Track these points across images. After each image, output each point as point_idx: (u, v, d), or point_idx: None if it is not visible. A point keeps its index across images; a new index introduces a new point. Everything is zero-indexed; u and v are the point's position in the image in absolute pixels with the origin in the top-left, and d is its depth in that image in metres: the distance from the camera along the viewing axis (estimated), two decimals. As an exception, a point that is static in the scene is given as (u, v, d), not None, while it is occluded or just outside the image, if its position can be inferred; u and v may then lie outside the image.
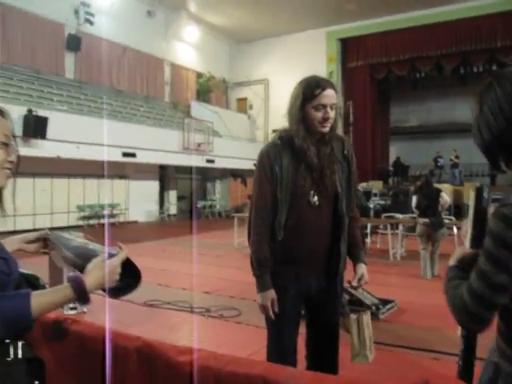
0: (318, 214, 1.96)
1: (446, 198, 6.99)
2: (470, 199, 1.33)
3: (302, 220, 1.93)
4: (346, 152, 2.04)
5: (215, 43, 22.06)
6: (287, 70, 20.58)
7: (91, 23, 15.84)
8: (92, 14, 15.85)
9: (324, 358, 2.08)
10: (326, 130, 1.92)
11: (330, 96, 1.90)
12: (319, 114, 1.88)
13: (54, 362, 1.36)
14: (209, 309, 4.97)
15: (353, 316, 1.97)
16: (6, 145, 1.16)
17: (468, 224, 1.32)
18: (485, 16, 17.47)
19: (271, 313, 1.90)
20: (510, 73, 1.10)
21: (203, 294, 5.71)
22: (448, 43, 18.56)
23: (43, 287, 2.43)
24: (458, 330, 1.33)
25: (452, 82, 21.49)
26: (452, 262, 1.23)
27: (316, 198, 1.94)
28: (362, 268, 2.06)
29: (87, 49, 15.98)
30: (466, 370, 1.29)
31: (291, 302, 1.97)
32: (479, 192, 1.30)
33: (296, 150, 1.92)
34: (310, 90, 1.89)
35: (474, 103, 1.15)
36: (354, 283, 2.04)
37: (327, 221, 1.99)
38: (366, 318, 2.00)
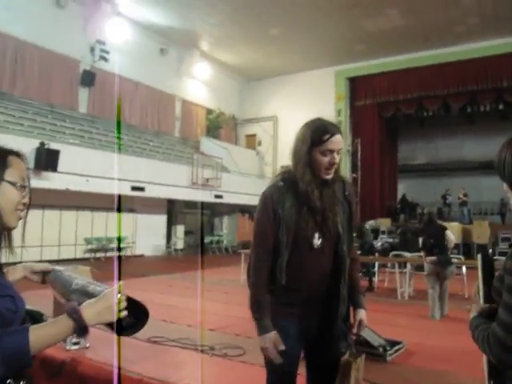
0: (320, 257, 1.96)
1: (452, 236, 6.92)
2: (478, 262, 1.42)
3: (303, 263, 1.93)
4: (347, 193, 2.05)
5: (226, 80, 22.52)
6: (296, 107, 20.90)
7: (106, 60, 16.30)
8: (107, 52, 16.34)
9: None
10: (330, 176, 1.93)
11: (338, 142, 1.90)
12: (326, 159, 1.88)
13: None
14: (213, 347, 4.88)
15: (343, 359, 1.90)
16: (23, 187, 1.19)
17: (479, 282, 1.41)
18: (491, 57, 17.83)
19: (274, 355, 1.86)
20: None
21: (208, 332, 5.63)
22: (455, 83, 18.85)
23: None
24: (485, 375, 1.33)
25: (459, 121, 21.71)
26: (473, 314, 1.32)
27: (319, 240, 1.94)
28: (362, 313, 2.04)
29: (101, 84, 16.39)
30: None
31: (291, 342, 1.94)
32: (484, 257, 1.42)
33: (299, 193, 1.92)
34: (318, 134, 1.88)
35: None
36: (354, 330, 2.01)
37: (328, 263, 1.99)
38: (357, 363, 1.92)
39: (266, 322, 1.89)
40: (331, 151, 1.88)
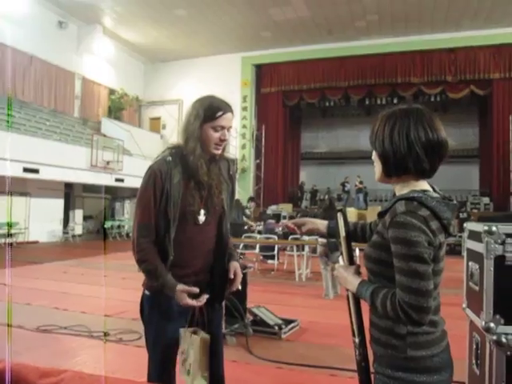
0: (205, 232, 1.97)
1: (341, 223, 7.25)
2: (339, 223, 1.53)
3: (190, 237, 1.93)
4: (231, 172, 2.10)
5: (130, 60, 21.69)
6: (202, 91, 20.02)
7: (-6, 29, 14.90)
8: (-4, 19, 14.93)
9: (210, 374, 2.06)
10: (219, 152, 1.96)
11: (230, 119, 1.94)
12: (217, 135, 1.91)
13: None
14: (108, 332, 4.74)
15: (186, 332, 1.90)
16: None
17: (342, 244, 1.52)
18: (387, 53, 19.05)
19: (191, 302, 1.84)
20: (424, 112, 1.37)
21: (103, 317, 5.45)
22: (355, 75, 19.86)
23: None
24: (356, 339, 1.45)
25: (358, 112, 22.93)
26: (352, 281, 1.43)
27: (204, 216, 1.95)
28: (235, 264, 2.06)
29: (-11, 55, 14.97)
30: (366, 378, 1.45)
31: (174, 320, 1.94)
32: (345, 216, 1.54)
33: (188, 168, 1.91)
34: (211, 110, 1.90)
35: (383, 121, 1.41)
36: (233, 287, 2.01)
37: (212, 238, 2.02)
38: (198, 340, 1.88)
39: (171, 281, 1.85)
40: (222, 127, 1.91)
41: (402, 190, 1.39)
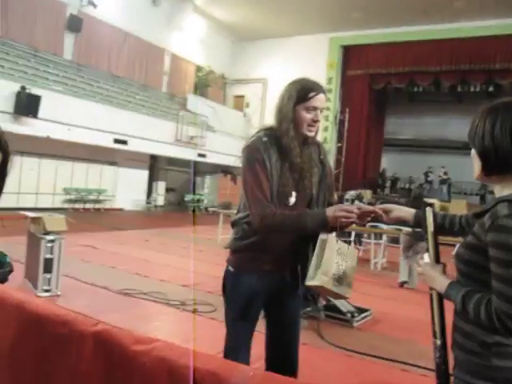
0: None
1: (429, 216, 7.01)
2: (428, 218, 1.49)
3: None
4: (322, 157, 2.07)
5: (217, 38, 21.99)
6: (287, 71, 20.44)
7: (94, 6, 15.67)
8: (96, -4, 15.71)
9: (283, 356, 2.09)
10: (312, 134, 1.96)
11: (322, 100, 1.94)
12: (309, 116, 1.91)
13: (9, 342, 1.33)
14: (184, 302, 4.94)
15: (321, 236, 1.79)
16: None
17: (430, 241, 1.47)
18: (486, 37, 17.63)
19: (350, 219, 1.75)
20: None
21: (180, 288, 5.69)
22: (448, 60, 18.69)
23: (8, 264, 2.39)
24: (438, 341, 1.40)
25: (448, 99, 21.70)
26: (441, 281, 1.37)
27: (295, 198, 1.94)
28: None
29: (88, 31, 15.81)
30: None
31: (253, 298, 1.98)
32: (434, 211, 1.51)
33: (282, 149, 1.92)
34: (304, 91, 1.91)
35: (483, 116, 1.32)
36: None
37: None
38: (339, 244, 1.80)
39: (313, 212, 1.87)
40: (315, 108, 1.91)
41: (502, 190, 1.30)
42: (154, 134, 15.29)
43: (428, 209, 1.51)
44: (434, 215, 1.51)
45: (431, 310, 1.44)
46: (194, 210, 18.43)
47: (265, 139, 1.94)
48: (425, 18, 18.07)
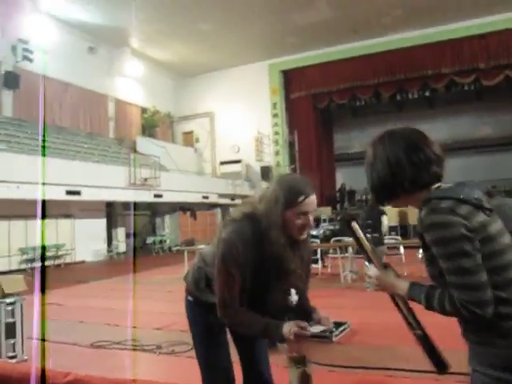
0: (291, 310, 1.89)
1: (385, 221, 7.36)
2: (357, 233, 1.56)
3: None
4: (304, 254, 1.95)
5: (159, 78, 22.13)
6: (232, 101, 20.92)
7: (30, 60, 15.51)
8: (30, 51, 15.54)
9: (255, 376, 2.09)
10: (303, 237, 1.86)
11: (313, 203, 1.81)
12: (299, 222, 1.79)
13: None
14: (160, 345, 4.80)
15: (294, 370, 1.80)
16: None
17: (369, 252, 1.53)
18: (415, 46, 18.70)
19: (302, 330, 1.73)
20: (399, 133, 1.40)
21: (154, 331, 5.53)
22: (384, 72, 19.58)
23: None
24: (418, 332, 1.45)
25: (390, 109, 22.52)
26: (400, 285, 1.41)
27: (295, 297, 1.88)
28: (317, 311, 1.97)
29: (27, 86, 15.58)
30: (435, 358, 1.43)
31: (215, 324, 1.96)
32: (354, 225, 1.56)
33: (268, 253, 1.80)
34: (292, 196, 1.77)
35: (369, 150, 1.46)
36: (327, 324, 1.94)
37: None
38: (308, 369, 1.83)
39: (272, 323, 1.78)
40: (305, 213, 1.79)
41: (417, 202, 1.36)
42: (107, 181, 15.03)
43: (353, 224, 1.54)
44: (359, 228, 1.56)
45: (399, 310, 1.47)
46: (140, 251, 18.07)
47: (248, 239, 1.79)
48: (355, 36, 18.91)
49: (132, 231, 17.92)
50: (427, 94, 20.67)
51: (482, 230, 1.22)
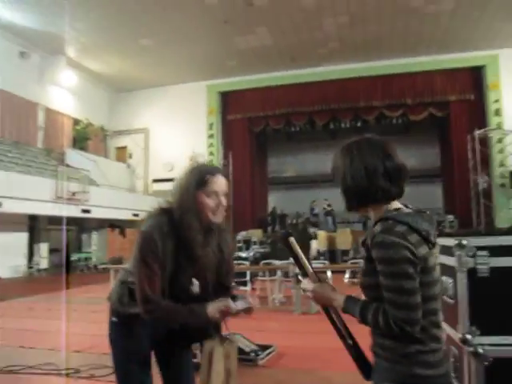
0: (195, 301, 1.88)
1: (313, 245, 7.64)
2: (294, 248, 1.61)
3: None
4: (220, 244, 1.99)
5: (94, 90, 21.57)
6: (168, 120, 20.76)
7: (-47, 62, 14.58)
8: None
9: None
10: (219, 220, 1.89)
11: (222, 183, 1.88)
12: (212, 202, 1.83)
13: None
14: (78, 369, 4.56)
15: (207, 346, 1.81)
16: None
17: (305, 265, 1.59)
18: (349, 79, 19.62)
19: (230, 307, 1.80)
20: (377, 142, 1.48)
21: (73, 354, 5.25)
22: (319, 101, 20.31)
23: None
24: (349, 341, 1.53)
25: (323, 136, 23.30)
26: (336, 298, 1.48)
27: (197, 288, 1.91)
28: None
29: None
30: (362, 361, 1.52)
31: (141, 349, 1.95)
32: (294, 240, 1.62)
33: (182, 239, 1.83)
34: (201, 177, 1.84)
35: (341, 157, 1.47)
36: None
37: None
38: (225, 349, 1.83)
39: (195, 307, 1.79)
40: (216, 193, 1.85)
41: (376, 215, 1.44)
42: (31, 193, 14.27)
43: (291, 239, 1.60)
44: (296, 243, 1.61)
45: (331, 322, 1.55)
46: (65, 269, 17.31)
47: (166, 229, 1.82)
48: (293, 64, 19.53)
49: (63, 246, 17.09)
50: (359, 124, 21.63)
51: (423, 261, 1.33)
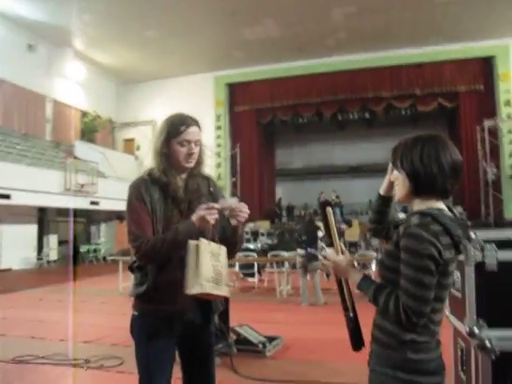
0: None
1: (320, 235, 7.63)
2: (329, 217, 1.66)
3: (178, 257, 1.86)
4: (211, 189, 2.09)
5: (102, 82, 21.59)
6: (175, 111, 20.63)
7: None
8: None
9: None
10: (191, 164, 1.98)
11: (195, 132, 1.97)
12: (184, 150, 1.94)
13: None
14: (88, 359, 4.61)
15: (192, 242, 1.81)
16: None
17: (334, 236, 1.64)
18: (358, 69, 19.42)
19: (213, 215, 1.82)
20: (449, 143, 1.49)
21: (83, 344, 5.31)
22: (327, 92, 20.14)
23: None
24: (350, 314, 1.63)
25: (331, 127, 23.18)
26: (353, 275, 1.56)
27: None
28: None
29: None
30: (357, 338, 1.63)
31: (163, 343, 1.93)
32: (328, 210, 1.68)
33: (163, 186, 1.94)
34: (174, 126, 1.94)
35: (412, 144, 1.50)
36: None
37: None
38: (211, 246, 1.84)
39: (180, 223, 1.86)
40: (188, 141, 1.94)
41: (419, 205, 1.49)
42: (41, 185, 14.37)
43: (328, 208, 1.67)
44: (334, 214, 1.68)
45: (340, 291, 1.66)
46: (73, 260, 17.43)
47: (146, 177, 1.96)
48: (301, 55, 19.39)
49: (71, 238, 17.21)
50: (367, 115, 21.49)
51: (446, 265, 1.39)
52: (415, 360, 1.41)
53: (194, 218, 1.83)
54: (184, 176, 2.01)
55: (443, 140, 1.50)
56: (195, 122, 1.99)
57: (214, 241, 1.88)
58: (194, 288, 1.74)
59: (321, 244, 7.64)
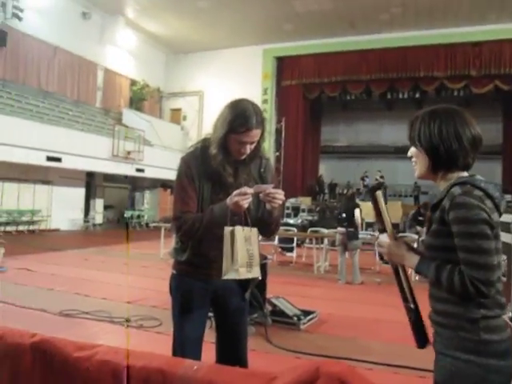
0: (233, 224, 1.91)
1: (357, 214, 7.56)
2: (380, 201, 1.57)
3: (215, 233, 1.89)
4: (262, 170, 2.07)
5: (152, 51, 21.80)
6: (223, 83, 20.71)
7: (19, 18, 15.04)
8: (21, 9, 15.05)
9: (232, 360, 2.08)
10: (241, 157, 1.97)
11: (253, 135, 1.91)
12: (238, 147, 1.92)
13: None
14: (129, 318, 4.81)
15: (227, 228, 1.84)
16: None
17: (386, 221, 1.57)
18: (410, 47, 18.69)
19: (246, 200, 1.81)
20: (467, 116, 1.47)
21: (124, 304, 5.53)
22: (377, 69, 19.55)
23: None
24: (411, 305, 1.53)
25: (379, 106, 22.64)
26: (411, 258, 1.47)
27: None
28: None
29: (13, 45, 15.14)
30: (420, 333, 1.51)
31: (197, 303, 2.02)
32: (385, 194, 1.49)
33: (212, 169, 1.95)
34: (237, 124, 1.87)
35: (429, 120, 1.47)
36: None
37: None
38: (244, 232, 1.86)
39: (216, 204, 1.89)
40: (245, 142, 1.91)
41: (447, 182, 1.45)
42: (90, 151, 14.83)
43: (378, 192, 1.59)
44: (385, 198, 1.60)
45: (398, 281, 1.56)
46: (127, 226, 18.01)
47: (198, 154, 1.99)
48: (352, 30, 18.86)
49: (129, 204, 17.60)
50: (417, 95, 20.80)
51: (496, 227, 1.36)
52: (488, 341, 1.33)
53: (228, 201, 1.83)
54: (234, 160, 1.98)
55: (461, 114, 1.45)
56: (258, 124, 1.90)
57: (247, 223, 1.88)
58: (230, 274, 1.81)
59: (357, 222, 7.57)
